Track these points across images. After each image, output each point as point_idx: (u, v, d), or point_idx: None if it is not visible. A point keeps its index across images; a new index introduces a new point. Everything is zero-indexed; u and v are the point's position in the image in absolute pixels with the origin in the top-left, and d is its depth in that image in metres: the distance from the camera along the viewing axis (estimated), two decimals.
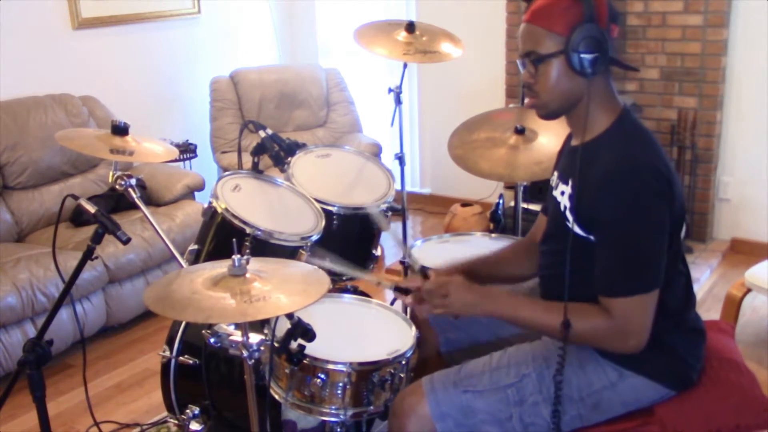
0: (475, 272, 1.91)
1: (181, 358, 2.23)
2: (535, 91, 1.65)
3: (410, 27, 2.83)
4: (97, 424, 2.57)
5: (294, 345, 1.70)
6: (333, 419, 1.83)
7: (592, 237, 1.60)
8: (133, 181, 2.20)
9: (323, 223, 2.27)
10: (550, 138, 2.53)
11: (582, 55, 1.55)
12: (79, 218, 3.61)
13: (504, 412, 1.68)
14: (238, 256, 1.56)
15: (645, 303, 1.56)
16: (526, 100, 1.70)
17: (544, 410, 1.67)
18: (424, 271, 1.77)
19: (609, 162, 1.57)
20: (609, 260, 1.57)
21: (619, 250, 1.56)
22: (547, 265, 1.80)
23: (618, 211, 1.54)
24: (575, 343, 1.63)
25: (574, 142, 1.73)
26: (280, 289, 1.54)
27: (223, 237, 2.12)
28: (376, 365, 1.80)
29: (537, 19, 1.60)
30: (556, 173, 1.81)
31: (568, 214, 1.65)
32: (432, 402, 1.68)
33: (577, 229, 1.61)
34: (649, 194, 1.53)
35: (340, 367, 1.78)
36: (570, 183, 1.65)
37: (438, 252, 2.51)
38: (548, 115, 1.68)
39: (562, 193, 1.69)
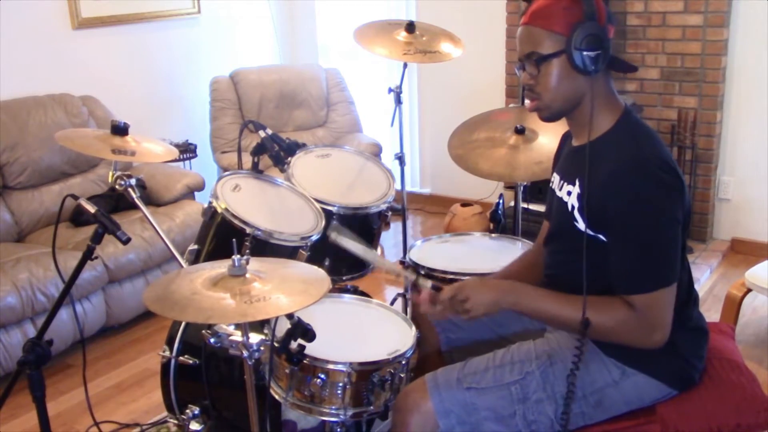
0: None
1: (181, 358, 2.23)
2: (537, 93, 1.65)
3: (410, 27, 2.82)
4: (97, 424, 2.57)
5: (294, 345, 1.70)
6: (333, 419, 1.83)
7: (600, 236, 1.60)
8: (133, 181, 2.20)
9: (323, 223, 2.27)
10: (550, 138, 2.53)
11: (584, 53, 1.55)
12: (79, 218, 3.61)
13: (507, 410, 1.68)
14: (238, 256, 1.56)
15: (666, 296, 1.56)
16: (528, 103, 1.70)
17: (547, 408, 1.67)
18: (436, 288, 1.75)
19: (618, 160, 1.57)
20: (627, 258, 1.57)
21: (636, 247, 1.56)
22: (552, 265, 1.80)
23: (632, 207, 1.54)
24: (597, 338, 1.63)
25: (576, 142, 1.73)
26: (280, 290, 1.54)
27: (223, 237, 2.12)
28: (376, 365, 1.80)
29: (536, 20, 1.60)
30: (557, 174, 1.81)
31: (576, 213, 1.65)
32: (435, 398, 1.68)
33: (585, 229, 1.61)
34: (662, 189, 1.54)
35: (340, 367, 1.78)
36: (578, 183, 1.65)
37: (438, 252, 2.51)
38: (551, 116, 1.68)
39: (569, 193, 1.69)
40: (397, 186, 2.66)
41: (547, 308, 1.64)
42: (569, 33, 1.56)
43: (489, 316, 1.70)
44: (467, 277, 1.76)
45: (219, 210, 2.14)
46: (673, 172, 1.56)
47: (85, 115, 3.93)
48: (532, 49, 1.61)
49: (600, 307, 1.59)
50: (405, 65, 2.95)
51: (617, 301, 1.59)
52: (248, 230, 2.08)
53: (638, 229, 1.55)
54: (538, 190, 4.10)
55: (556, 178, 1.81)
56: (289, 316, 1.67)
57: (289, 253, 2.15)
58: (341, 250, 1.97)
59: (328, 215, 2.33)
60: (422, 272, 2.37)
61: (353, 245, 1.92)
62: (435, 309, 1.73)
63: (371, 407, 1.84)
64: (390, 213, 2.50)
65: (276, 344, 1.70)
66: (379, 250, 2.51)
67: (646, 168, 1.54)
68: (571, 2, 1.57)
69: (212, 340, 1.71)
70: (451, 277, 2.29)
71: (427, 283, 1.76)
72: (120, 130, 2.20)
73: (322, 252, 2.28)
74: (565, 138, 1.88)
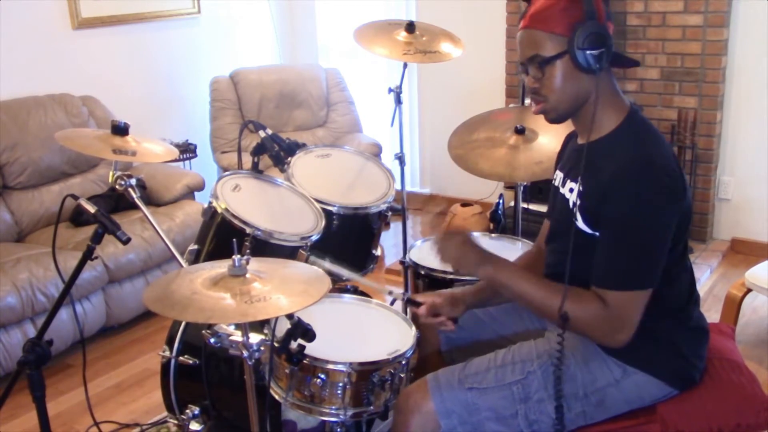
0: (483, 298, 1.93)
1: (180, 358, 2.23)
2: (542, 95, 1.65)
3: (410, 27, 2.82)
4: (96, 424, 2.57)
5: (294, 345, 1.70)
6: (333, 419, 1.83)
7: (598, 234, 1.60)
8: (133, 181, 2.20)
9: (323, 223, 2.27)
10: (550, 138, 2.53)
11: (587, 52, 1.55)
12: (79, 218, 3.61)
13: (509, 409, 1.68)
14: (238, 256, 1.56)
15: (638, 300, 1.57)
16: (534, 107, 1.70)
17: (549, 407, 1.67)
18: (414, 303, 1.83)
19: (622, 160, 1.57)
20: (611, 254, 1.57)
21: (623, 245, 1.56)
22: (554, 264, 1.80)
23: (629, 207, 1.54)
24: (569, 329, 1.63)
25: (581, 140, 1.73)
26: (280, 290, 1.54)
27: (223, 237, 2.12)
28: (376, 365, 1.80)
29: (536, 23, 1.61)
30: (560, 172, 1.81)
31: (576, 211, 1.65)
32: (437, 399, 1.68)
33: (584, 227, 1.61)
34: (662, 193, 1.54)
35: (340, 367, 1.78)
36: (579, 180, 1.66)
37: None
38: (558, 118, 1.68)
39: (571, 190, 1.69)
40: (397, 186, 2.66)
41: (525, 289, 1.65)
42: (570, 33, 1.56)
43: (461, 273, 1.74)
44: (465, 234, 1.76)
45: (219, 210, 2.14)
46: (675, 176, 1.56)
47: (85, 115, 3.93)
48: (535, 52, 1.61)
49: (575, 298, 1.59)
50: (405, 65, 2.95)
51: (591, 294, 1.59)
52: (248, 230, 2.08)
53: (629, 229, 1.55)
54: (538, 190, 4.10)
55: (559, 176, 1.80)
56: (289, 316, 1.67)
57: (289, 253, 2.15)
58: (343, 249, 1.98)
59: (328, 215, 2.33)
60: (422, 272, 2.38)
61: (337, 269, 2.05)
62: (435, 319, 1.85)
63: (371, 407, 1.84)
64: (390, 213, 2.50)
65: (276, 344, 1.70)
66: (379, 250, 2.50)
67: (649, 171, 1.54)
68: (570, 2, 1.57)
69: (212, 340, 1.71)
70: (451, 277, 2.29)
71: (399, 293, 1.88)
72: (120, 130, 2.20)
73: (321, 252, 2.28)
74: (570, 136, 1.87)
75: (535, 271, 1.91)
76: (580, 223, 1.63)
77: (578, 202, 1.65)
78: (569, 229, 1.66)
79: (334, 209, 2.35)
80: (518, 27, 1.66)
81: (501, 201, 4.35)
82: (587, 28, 1.55)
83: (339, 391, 1.79)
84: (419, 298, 1.90)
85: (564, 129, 1.84)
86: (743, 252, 4.19)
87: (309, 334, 1.68)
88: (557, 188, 1.79)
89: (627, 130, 1.63)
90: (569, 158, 1.80)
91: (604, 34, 1.56)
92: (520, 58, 1.66)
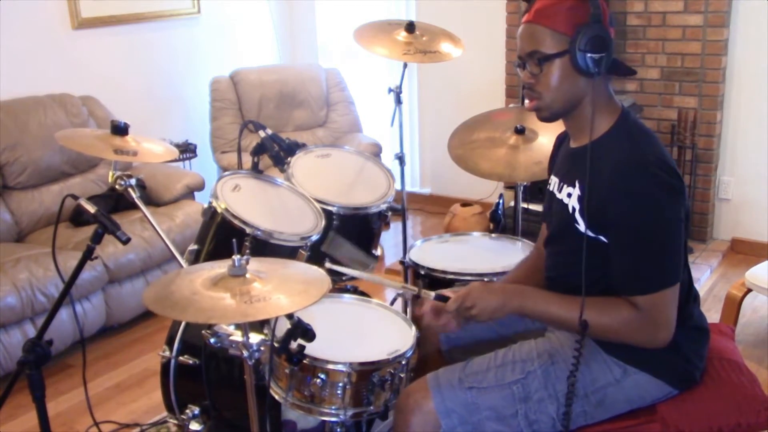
0: None
1: (180, 358, 2.23)
2: (537, 92, 1.64)
3: (410, 27, 2.82)
4: (96, 424, 2.57)
5: (294, 345, 1.70)
6: (333, 419, 1.83)
7: (601, 237, 1.60)
8: (132, 181, 2.20)
9: (323, 223, 2.27)
10: (550, 138, 2.52)
11: (588, 55, 1.55)
12: (79, 218, 3.61)
13: (509, 409, 1.68)
14: (238, 256, 1.56)
15: (670, 296, 1.57)
16: (528, 103, 1.70)
17: (549, 407, 1.67)
18: (440, 298, 1.76)
19: (618, 161, 1.57)
20: (630, 259, 1.57)
21: (639, 248, 1.56)
22: (553, 267, 1.80)
23: (633, 208, 1.54)
24: (602, 338, 1.64)
25: (574, 144, 1.73)
26: (280, 290, 1.54)
27: (223, 237, 2.12)
28: (376, 365, 1.80)
29: (541, 19, 1.60)
30: (555, 177, 1.80)
31: (577, 215, 1.64)
32: (437, 398, 1.68)
33: (587, 231, 1.61)
34: (662, 188, 1.54)
35: (340, 367, 1.78)
36: (578, 185, 1.65)
37: (438, 252, 2.51)
38: (551, 116, 1.67)
39: (569, 195, 1.68)
40: (397, 186, 2.66)
41: (552, 311, 1.65)
42: (573, 33, 1.56)
43: (495, 320, 1.71)
44: (471, 282, 1.76)
45: (219, 210, 2.13)
46: (672, 172, 1.56)
47: (85, 115, 3.93)
48: (535, 47, 1.61)
49: (604, 308, 1.59)
50: (405, 65, 2.95)
51: (621, 301, 1.59)
52: (248, 230, 2.08)
53: (640, 229, 1.55)
54: (538, 190, 4.10)
55: (554, 180, 1.80)
56: (289, 316, 1.67)
57: (289, 253, 2.15)
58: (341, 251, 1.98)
59: (328, 215, 2.33)
60: (422, 272, 2.38)
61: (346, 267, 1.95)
62: (439, 320, 1.76)
63: (371, 407, 1.84)
64: (390, 213, 2.50)
65: (276, 344, 1.70)
66: (379, 250, 2.50)
67: (646, 168, 1.54)
68: (577, 2, 1.56)
69: (212, 340, 1.71)
70: (451, 277, 2.29)
71: (430, 295, 1.77)
72: (120, 130, 2.20)
73: (321, 252, 2.29)
74: (561, 140, 1.87)
75: (536, 276, 1.91)
76: (582, 228, 1.62)
77: (578, 207, 1.64)
78: (569, 234, 1.66)
79: (334, 209, 2.35)
80: (522, 20, 1.65)
81: (501, 201, 4.35)
82: (591, 30, 1.54)
83: (339, 391, 1.79)
84: (446, 292, 1.80)
85: (562, 129, 1.84)
86: (743, 252, 4.19)
87: (309, 334, 1.68)
88: (553, 193, 1.78)
89: (619, 132, 1.63)
90: (563, 162, 1.79)
91: (606, 39, 1.55)
92: (519, 51, 1.65)
